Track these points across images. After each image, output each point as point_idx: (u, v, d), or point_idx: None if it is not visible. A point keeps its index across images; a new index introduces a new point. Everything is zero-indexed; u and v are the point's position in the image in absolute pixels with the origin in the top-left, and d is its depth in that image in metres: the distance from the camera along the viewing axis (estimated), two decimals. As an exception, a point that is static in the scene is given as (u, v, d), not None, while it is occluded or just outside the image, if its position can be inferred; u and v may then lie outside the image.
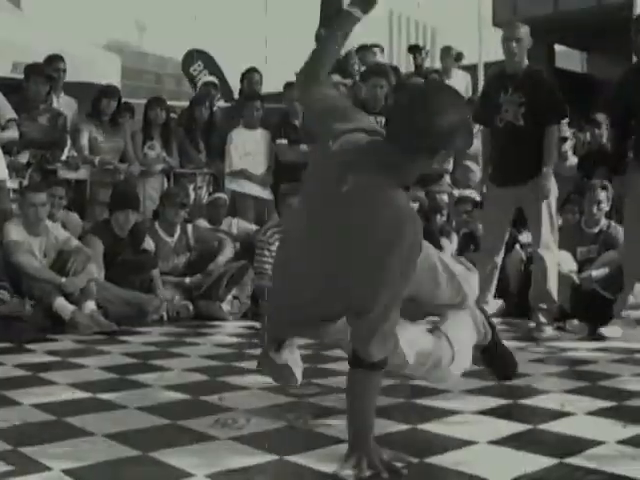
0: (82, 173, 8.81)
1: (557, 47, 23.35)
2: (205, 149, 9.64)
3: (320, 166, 3.33)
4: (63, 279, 6.71)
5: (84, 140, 8.82)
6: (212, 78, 11.57)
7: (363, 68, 11.26)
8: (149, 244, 7.53)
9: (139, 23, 77.22)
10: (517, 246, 7.88)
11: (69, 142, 8.81)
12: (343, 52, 13.43)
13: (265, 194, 9.37)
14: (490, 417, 3.80)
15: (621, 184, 6.73)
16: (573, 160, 9.63)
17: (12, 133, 7.91)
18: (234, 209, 9.09)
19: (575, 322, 6.72)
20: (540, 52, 21.92)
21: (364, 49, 12.36)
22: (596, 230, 7.51)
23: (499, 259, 7.02)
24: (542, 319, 6.72)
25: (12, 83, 9.07)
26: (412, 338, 3.57)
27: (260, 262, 7.88)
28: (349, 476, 2.94)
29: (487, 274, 6.86)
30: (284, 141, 9.36)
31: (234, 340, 6.34)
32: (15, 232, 6.84)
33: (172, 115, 9.83)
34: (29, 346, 5.77)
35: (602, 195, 7.45)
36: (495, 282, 7.09)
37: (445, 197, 9.50)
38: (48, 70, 8.81)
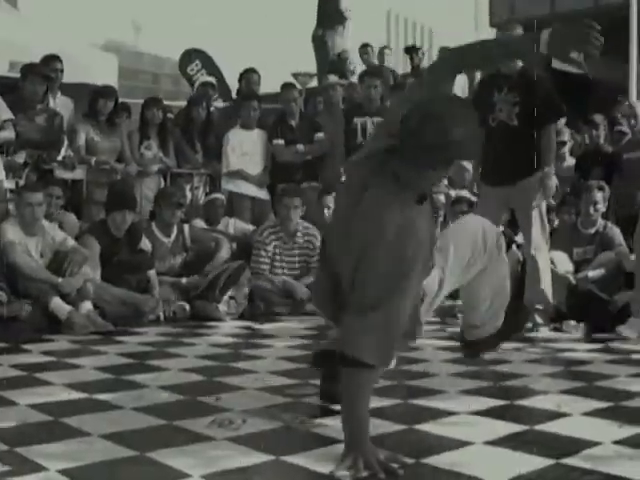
0: (79, 173, 8.81)
1: (554, 48, 23.38)
2: (202, 149, 9.64)
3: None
4: (60, 279, 6.71)
5: (81, 140, 8.82)
6: (209, 78, 11.57)
7: (362, 68, 11.32)
8: (146, 244, 7.52)
9: (136, 23, 77.21)
10: (514, 247, 7.88)
11: (66, 142, 8.80)
12: (339, 52, 13.51)
13: (262, 194, 9.38)
14: (486, 418, 3.80)
15: None
16: (570, 161, 9.64)
17: (8, 134, 7.92)
18: (231, 209, 9.09)
19: (571, 323, 6.72)
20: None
21: (364, 49, 12.42)
22: (592, 231, 7.52)
23: None
24: (538, 320, 6.73)
25: (9, 83, 9.07)
26: None
27: (257, 262, 7.90)
28: (345, 476, 2.94)
29: None
30: (281, 141, 9.37)
31: (230, 340, 6.33)
32: (11, 232, 6.84)
33: (169, 115, 9.83)
34: (25, 346, 5.76)
35: (598, 196, 7.46)
36: None
37: (442, 197, 9.51)
38: (45, 70, 8.80)
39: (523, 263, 7.38)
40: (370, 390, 3.22)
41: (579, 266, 7.36)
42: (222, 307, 7.36)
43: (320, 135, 9.46)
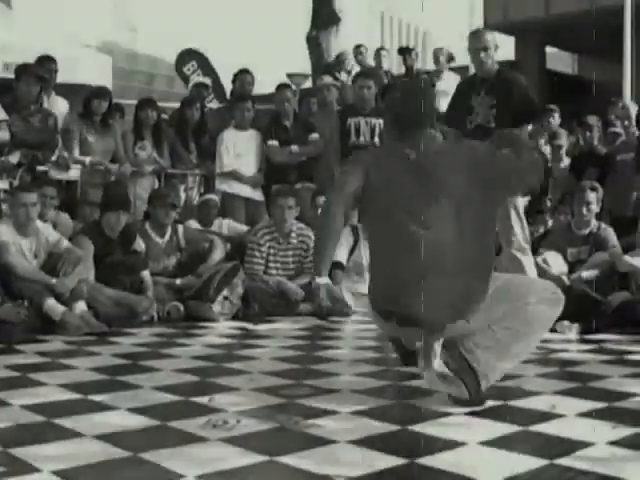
0: (73, 173, 8.80)
1: (548, 49, 23.40)
2: (196, 150, 9.63)
3: None
4: (54, 280, 6.69)
5: (75, 141, 8.81)
6: (203, 79, 11.57)
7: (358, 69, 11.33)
8: (140, 245, 7.52)
9: (130, 24, 77.09)
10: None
11: (60, 143, 8.79)
12: (336, 53, 13.52)
13: (256, 195, 9.37)
14: (481, 418, 3.80)
15: None
16: (567, 162, 9.66)
17: (3, 134, 7.92)
18: (225, 210, 9.09)
19: (566, 323, 6.71)
20: (531, 54, 22.02)
21: (358, 49, 12.43)
22: (586, 231, 7.52)
23: None
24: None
25: (3, 83, 9.07)
26: None
27: (251, 263, 7.90)
28: (341, 477, 2.94)
29: None
30: (275, 142, 9.36)
31: (224, 341, 6.33)
32: (5, 233, 6.82)
33: (163, 116, 9.82)
34: (19, 347, 5.76)
35: (592, 196, 7.47)
36: None
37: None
38: (39, 71, 8.79)
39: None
40: None
41: (573, 267, 7.36)
42: (216, 307, 7.35)
43: (314, 136, 9.46)
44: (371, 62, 12.46)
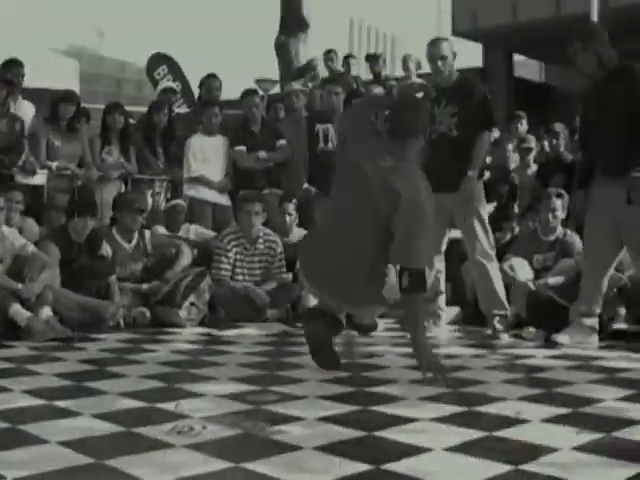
0: (39, 178, 8.75)
1: (516, 57, 23.51)
2: (163, 155, 9.60)
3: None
4: (19, 285, 6.65)
5: (42, 145, 8.77)
6: (171, 84, 11.56)
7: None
8: (106, 250, 7.48)
9: (98, 28, 76.86)
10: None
11: (26, 147, 8.74)
12: (306, 60, 13.54)
13: (223, 200, 9.36)
14: (446, 424, 3.81)
15: (582, 199, 6.72)
16: (534, 168, 9.71)
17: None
18: (192, 215, 9.06)
19: (531, 329, 6.76)
20: (499, 61, 22.12)
21: (328, 54, 12.45)
22: (552, 238, 7.56)
23: (441, 265, 7.08)
24: (498, 326, 6.78)
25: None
26: None
27: (218, 269, 7.89)
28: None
29: (432, 281, 6.94)
30: (243, 148, 9.36)
31: (191, 347, 6.32)
32: (-30, 238, 6.78)
33: (131, 121, 9.79)
34: (-16, 352, 5.72)
35: (558, 203, 7.51)
36: (444, 288, 7.16)
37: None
38: (7, 75, 8.75)
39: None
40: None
41: (539, 273, 7.40)
42: (183, 313, 7.34)
43: (282, 142, 9.47)
44: (340, 68, 12.49)
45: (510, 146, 10.15)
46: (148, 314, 7.40)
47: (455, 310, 7.67)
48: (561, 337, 6.41)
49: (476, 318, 7.34)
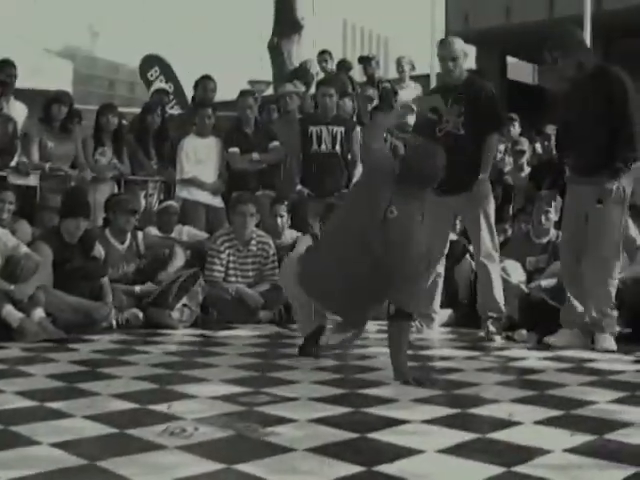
0: (32, 179, 8.74)
1: (509, 59, 23.53)
2: (156, 156, 9.60)
3: None
4: (12, 286, 6.63)
5: (34, 146, 8.75)
6: (163, 85, 11.55)
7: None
8: (99, 251, 7.46)
9: (92, 29, 76.80)
10: (467, 256, 7.92)
11: (19, 148, 8.72)
12: (299, 61, 13.54)
13: (216, 202, 9.35)
14: (438, 426, 3.81)
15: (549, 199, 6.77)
16: (528, 171, 9.72)
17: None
18: (185, 217, 9.05)
19: (524, 332, 6.76)
20: (492, 63, 22.13)
21: (322, 55, 12.44)
22: (545, 240, 7.58)
23: (441, 268, 7.09)
24: (491, 328, 6.78)
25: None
26: None
27: (211, 270, 7.88)
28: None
29: (431, 284, 6.95)
30: (236, 149, 9.35)
31: (183, 348, 6.32)
32: (-38, 238, 6.76)
33: (123, 122, 9.77)
34: (-24, 354, 5.71)
35: (550, 205, 7.52)
36: (440, 291, 7.16)
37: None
38: (-1, 75, 8.75)
39: (476, 272, 7.44)
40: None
41: (532, 275, 7.41)
42: (175, 315, 7.33)
43: (275, 143, 9.47)
44: (333, 68, 12.47)
45: (502, 147, 10.18)
46: (141, 315, 7.39)
47: (448, 312, 7.67)
48: (553, 339, 6.42)
49: (469, 320, 7.35)
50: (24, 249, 6.97)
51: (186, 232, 8.72)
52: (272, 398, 4.35)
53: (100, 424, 3.76)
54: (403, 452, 3.36)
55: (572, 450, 3.42)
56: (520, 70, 24.79)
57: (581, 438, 3.60)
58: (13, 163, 8.63)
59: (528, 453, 3.37)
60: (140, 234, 8.00)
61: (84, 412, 3.97)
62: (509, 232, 8.72)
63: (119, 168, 9.16)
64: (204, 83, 10.38)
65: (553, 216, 7.56)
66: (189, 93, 11.25)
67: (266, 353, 6.06)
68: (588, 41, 15.68)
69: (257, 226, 8.24)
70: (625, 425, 3.86)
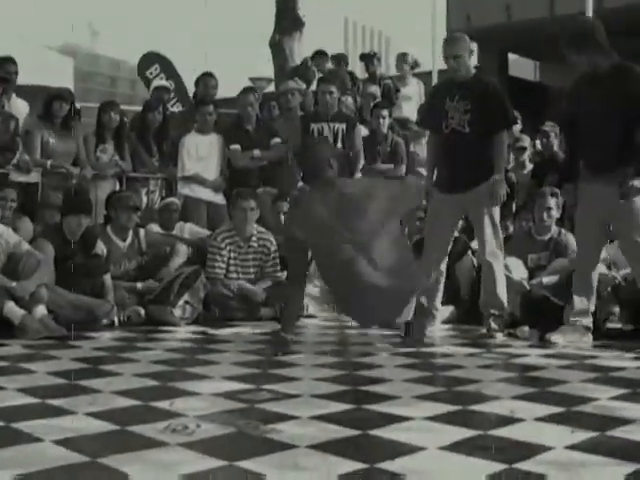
0: (34, 176, 8.73)
1: (510, 56, 23.52)
2: (158, 153, 9.59)
3: None
4: (13, 283, 6.62)
5: (36, 143, 8.74)
6: (164, 82, 11.52)
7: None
8: (101, 248, 7.45)
9: (93, 26, 76.77)
10: (469, 252, 7.92)
11: (20, 145, 8.72)
12: (300, 59, 13.52)
13: (218, 199, 9.35)
14: (440, 423, 3.81)
15: (571, 193, 6.73)
16: (530, 168, 9.71)
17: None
18: (186, 214, 9.05)
19: (525, 329, 6.76)
20: (493, 60, 22.12)
21: (319, 56, 12.41)
22: (547, 237, 7.57)
23: (443, 265, 7.08)
24: (493, 325, 6.77)
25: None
26: None
27: (212, 267, 7.87)
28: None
29: (432, 282, 6.93)
30: (237, 146, 9.35)
31: (185, 345, 6.31)
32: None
33: (125, 119, 9.76)
34: (-23, 351, 5.71)
35: (552, 202, 7.51)
36: (442, 289, 7.15)
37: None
38: (0, 72, 8.73)
39: (477, 269, 7.43)
40: None
41: (533, 272, 7.40)
42: (177, 312, 7.32)
43: (276, 140, 9.47)
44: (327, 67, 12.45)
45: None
46: (142, 312, 7.39)
47: (449, 309, 7.67)
48: (555, 336, 6.42)
49: (471, 317, 7.34)
50: (26, 246, 6.97)
51: (187, 229, 8.72)
52: (274, 395, 4.35)
53: (102, 421, 3.76)
54: (405, 449, 3.36)
55: (574, 447, 3.42)
56: (521, 67, 24.78)
57: (583, 435, 3.61)
58: (15, 160, 8.61)
59: (530, 450, 3.37)
60: (142, 231, 7.99)
61: (86, 409, 3.98)
62: (511, 229, 8.71)
63: (121, 165, 9.15)
64: (205, 80, 10.38)
65: (555, 213, 7.55)
66: (191, 90, 11.22)
67: (267, 350, 6.05)
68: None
69: (258, 223, 8.24)
70: (627, 422, 3.85)
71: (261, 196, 8.82)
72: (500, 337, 6.71)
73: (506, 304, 6.87)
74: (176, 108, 11.62)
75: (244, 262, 8.04)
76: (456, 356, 5.81)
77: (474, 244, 7.73)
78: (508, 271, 7.19)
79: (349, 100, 10.63)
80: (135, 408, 4.08)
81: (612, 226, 6.39)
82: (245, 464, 3.14)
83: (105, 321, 7.11)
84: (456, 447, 3.40)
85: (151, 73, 13.17)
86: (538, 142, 10.17)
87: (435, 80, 15.02)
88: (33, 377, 4.85)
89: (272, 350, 5.95)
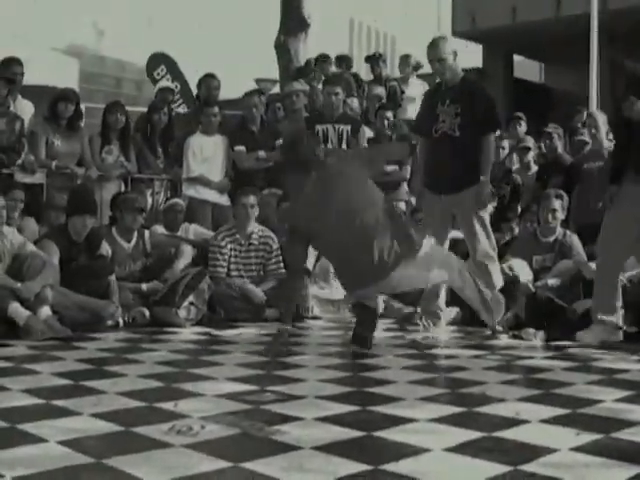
0: (39, 177, 8.74)
1: (515, 57, 23.52)
2: (163, 155, 9.60)
3: None
4: (18, 284, 6.63)
5: (41, 144, 8.75)
6: (168, 83, 11.53)
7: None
8: (106, 249, 7.46)
9: (98, 27, 76.78)
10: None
11: (26, 146, 8.72)
12: (305, 60, 13.53)
13: (223, 200, 9.35)
14: (445, 425, 3.81)
15: (615, 194, 6.67)
16: (535, 169, 9.71)
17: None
18: (191, 215, 9.05)
19: (530, 330, 6.75)
20: (499, 62, 22.13)
21: (322, 60, 12.41)
22: (552, 239, 7.56)
23: None
24: (497, 327, 6.77)
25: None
26: None
27: (214, 266, 7.89)
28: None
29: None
30: (242, 148, 9.35)
31: (190, 347, 6.31)
32: (-31, 236, 6.77)
33: (130, 120, 9.77)
34: (-18, 351, 5.71)
35: (557, 204, 7.52)
36: (444, 289, 7.16)
37: (402, 205, 9.53)
38: (5, 73, 8.74)
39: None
40: None
41: (538, 274, 7.40)
42: (182, 313, 7.33)
43: (281, 141, 9.46)
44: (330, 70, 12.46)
45: (506, 143, 10.18)
46: (147, 314, 7.39)
47: (454, 311, 7.66)
48: (586, 336, 6.41)
49: (475, 319, 7.33)
50: (31, 247, 6.98)
51: (192, 230, 8.72)
52: (278, 396, 4.35)
53: (106, 422, 3.76)
54: (409, 451, 3.36)
55: (578, 449, 3.42)
56: (526, 69, 24.78)
57: (587, 437, 3.60)
58: (20, 161, 8.62)
59: (534, 452, 3.36)
60: (147, 232, 8.00)
61: (90, 410, 3.98)
62: (516, 231, 8.71)
63: (126, 166, 9.16)
64: (207, 81, 10.39)
65: (560, 214, 7.55)
66: (196, 91, 11.23)
67: (265, 351, 6.05)
68: (595, 39, 15.72)
69: (264, 224, 8.25)
70: (632, 424, 3.85)
71: (266, 197, 8.83)
72: (504, 339, 6.71)
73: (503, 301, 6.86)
74: (181, 109, 11.62)
75: (246, 260, 8.05)
76: (461, 358, 5.81)
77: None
78: (513, 272, 7.19)
79: (355, 102, 10.64)
80: (140, 409, 4.09)
81: None
82: (250, 465, 3.14)
83: (110, 322, 7.12)
84: (461, 449, 3.40)
85: (158, 74, 13.19)
86: (543, 144, 10.16)
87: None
88: (38, 378, 4.86)
89: (272, 350, 5.94)
